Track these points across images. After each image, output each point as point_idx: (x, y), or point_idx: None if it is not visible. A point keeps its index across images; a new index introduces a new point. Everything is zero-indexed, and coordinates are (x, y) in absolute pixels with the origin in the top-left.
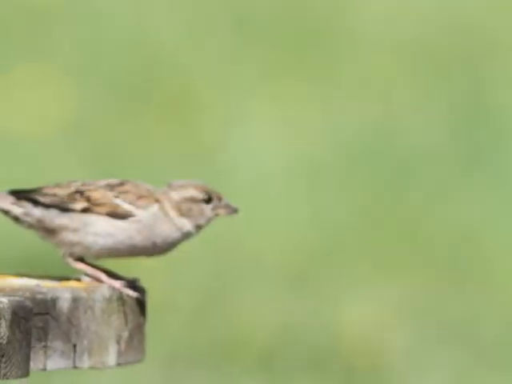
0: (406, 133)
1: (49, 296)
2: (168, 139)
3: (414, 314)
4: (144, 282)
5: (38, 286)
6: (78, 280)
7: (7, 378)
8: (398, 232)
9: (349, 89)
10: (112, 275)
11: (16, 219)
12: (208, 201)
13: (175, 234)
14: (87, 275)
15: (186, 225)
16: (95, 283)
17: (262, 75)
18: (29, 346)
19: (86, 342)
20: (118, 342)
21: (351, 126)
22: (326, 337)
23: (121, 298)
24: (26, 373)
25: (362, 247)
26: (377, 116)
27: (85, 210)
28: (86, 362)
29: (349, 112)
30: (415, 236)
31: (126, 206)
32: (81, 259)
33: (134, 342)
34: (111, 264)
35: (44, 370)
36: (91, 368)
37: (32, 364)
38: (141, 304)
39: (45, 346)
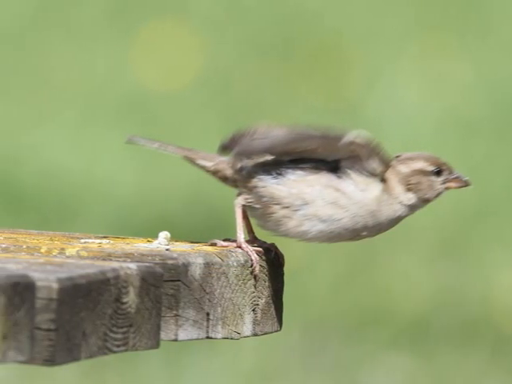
0: None
1: (180, 261)
2: (310, 95)
3: None
4: (282, 248)
5: (168, 250)
6: (214, 245)
7: (136, 349)
8: None
9: (501, 40)
10: (253, 238)
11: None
12: (438, 173)
13: (399, 212)
14: (225, 240)
15: (412, 199)
16: (230, 247)
17: (410, 29)
18: (159, 315)
19: (219, 311)
20: (254, 310)
21: (506, 78)
22: (477, 303)
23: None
24: (155, 343)
25: None
26: None
27: None
28: (219, 332)
29: (503, 64)
30: None
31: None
32: (244, 211)
33: (271, 310)
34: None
35: (175, 340)
36: (225, 338)
37: (163, 334)
38: (278, 270)
39: (176, 315)
